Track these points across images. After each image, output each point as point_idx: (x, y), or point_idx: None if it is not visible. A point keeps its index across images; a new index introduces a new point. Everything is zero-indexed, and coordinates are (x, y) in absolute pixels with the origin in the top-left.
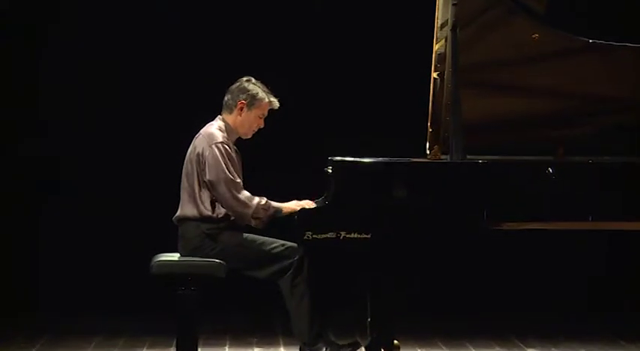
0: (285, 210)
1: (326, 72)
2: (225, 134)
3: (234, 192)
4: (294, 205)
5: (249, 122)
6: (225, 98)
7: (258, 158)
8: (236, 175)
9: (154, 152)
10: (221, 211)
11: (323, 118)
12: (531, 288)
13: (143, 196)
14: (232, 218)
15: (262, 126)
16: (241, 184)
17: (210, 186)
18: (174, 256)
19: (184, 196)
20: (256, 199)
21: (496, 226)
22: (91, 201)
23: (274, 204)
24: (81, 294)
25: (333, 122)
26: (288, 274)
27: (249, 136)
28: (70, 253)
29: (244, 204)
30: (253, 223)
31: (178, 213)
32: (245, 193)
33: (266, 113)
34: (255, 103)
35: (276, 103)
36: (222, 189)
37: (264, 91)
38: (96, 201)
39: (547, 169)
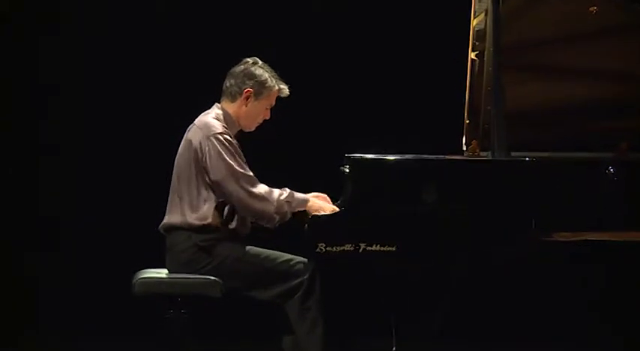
0: (309, 204)
1: (343, 54)
2: (224, 124)
3: (249, 187)
4: (321, 203)
5: (255, 114)
6: (227, 83)
7: (263, 156)
8: (247, 168)
9: (140, 150)
10: (222, 218)
11: (339, 108)
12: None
13: (126, 199)
14: (232, 227)
15: (268, 117)
16: (254, 177)
17: (217, 186)
18: (161, 273)
19: (174, 199)
20: (277, 192)
21: (547, 236)
22: (61, 205)
23: (298, 195)
24: (55, 314)
25: (351, 114)
26: (296, 296)
27: (252, 129)
28: (45, 265)
29: (264, 199)
30: (277, 219)
31: (165, 220)
32: (262, 187)
33: (274, 103)
34: (264, 92)
35: (285, 91)
36: (233, 186)
37: (272, 76)
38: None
39: (607, 168)
